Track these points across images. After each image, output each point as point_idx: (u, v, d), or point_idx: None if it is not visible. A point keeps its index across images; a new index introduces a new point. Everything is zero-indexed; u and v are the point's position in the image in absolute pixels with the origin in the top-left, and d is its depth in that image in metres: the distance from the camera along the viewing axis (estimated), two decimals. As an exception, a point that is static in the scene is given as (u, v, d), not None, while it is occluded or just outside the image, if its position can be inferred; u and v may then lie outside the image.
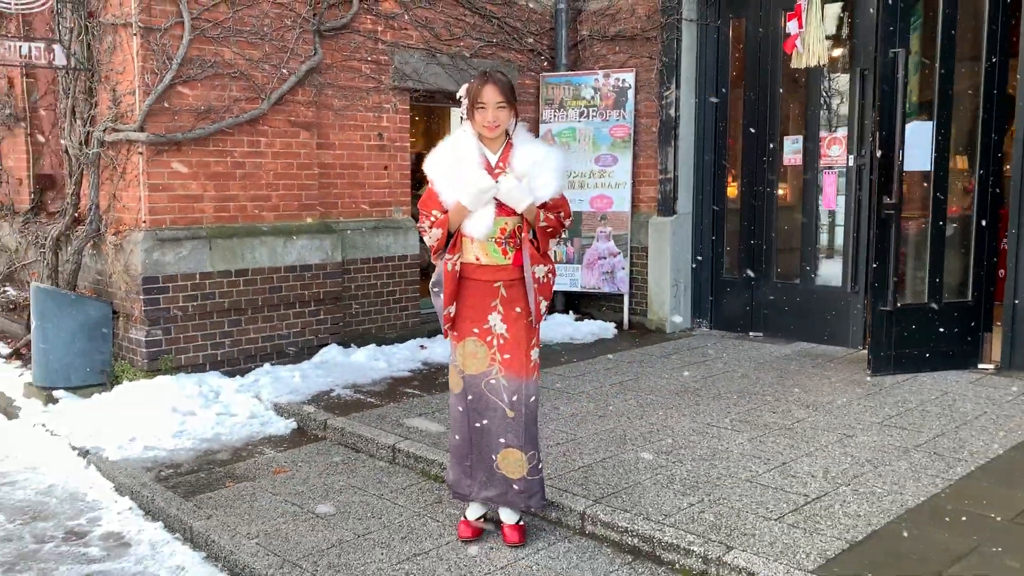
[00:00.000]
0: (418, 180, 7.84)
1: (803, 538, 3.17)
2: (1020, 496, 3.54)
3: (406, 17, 6.70)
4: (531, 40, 7.62)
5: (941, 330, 5.63)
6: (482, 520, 3.46)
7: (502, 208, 3.19)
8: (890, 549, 3.08)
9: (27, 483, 4.40)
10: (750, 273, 7.02)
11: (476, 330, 3.30)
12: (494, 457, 3.33)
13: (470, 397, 3.35)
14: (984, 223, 5.66)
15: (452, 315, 3.31)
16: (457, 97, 3.26)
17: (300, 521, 3.69)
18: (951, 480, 3.72)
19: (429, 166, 3.24)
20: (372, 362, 5.98)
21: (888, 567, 2.93)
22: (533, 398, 3.32)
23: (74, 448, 4.69)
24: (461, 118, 3.29)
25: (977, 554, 3.03)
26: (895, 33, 5.36)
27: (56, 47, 5.64)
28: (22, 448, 4.88)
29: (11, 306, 7.38)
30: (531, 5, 7.59)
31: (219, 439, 4.80)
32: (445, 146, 3.27)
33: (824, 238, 6.78)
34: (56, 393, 5.45)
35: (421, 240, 7.50)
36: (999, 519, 3.33)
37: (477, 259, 3.27)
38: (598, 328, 7.32)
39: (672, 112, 7.13)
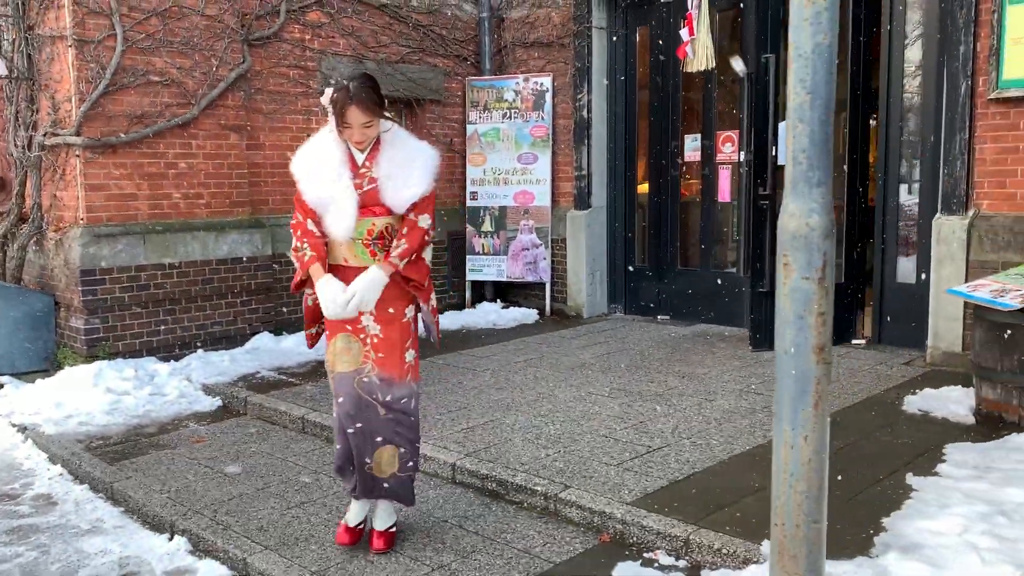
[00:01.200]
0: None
1: (632, 479, 3.71)
2: (833, 445, 4.09)
3: (333, 26, 7.18)
4: (457, 47, 8.12)
5: (816, 309, 6.18)
6: (363, 525, 3.39)
7: (367, 208, 3.10)
8: (701, 486, 3.62)
9: (-31, 455, 4.85)
10: (658, 262, 7.58)
11: (349, 327, 3.18)
12: (368, 460, 3.22)
13: (340, 399, 3.20)
14: (854, 212, 6.23)
15: (316, 334, 3.36)
16: (323, 104, 3.12)
17: (210, 479, 4.17)
18: (766, 435, 4.26)
19: (296, 166, 3.18)
20: (299, 347, 6.46)
21: (691, 498, 3.47)
22: (407, 400, 3.22)
23: (13, 425, 5.14)
24: (330, 121, 3.12)
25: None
26: (766, 40, 5.93)
27: (-2, 59, 6.09)
28: (-34, 427, 5.32)
29: (-35, 302, 7.77)
30: (456, 14, 8.09)
31: (148, 416, 5.27)
32: (311, 145, 3.19)
33: (722, 229, 7.33)
34: (1, 379, 5.89)
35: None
36: (806, 461, 3.88)
37: (345, 260, 3.16)
38: (521, 315, 7.84)
39: (585, 114, 7.67)
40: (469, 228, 8.23)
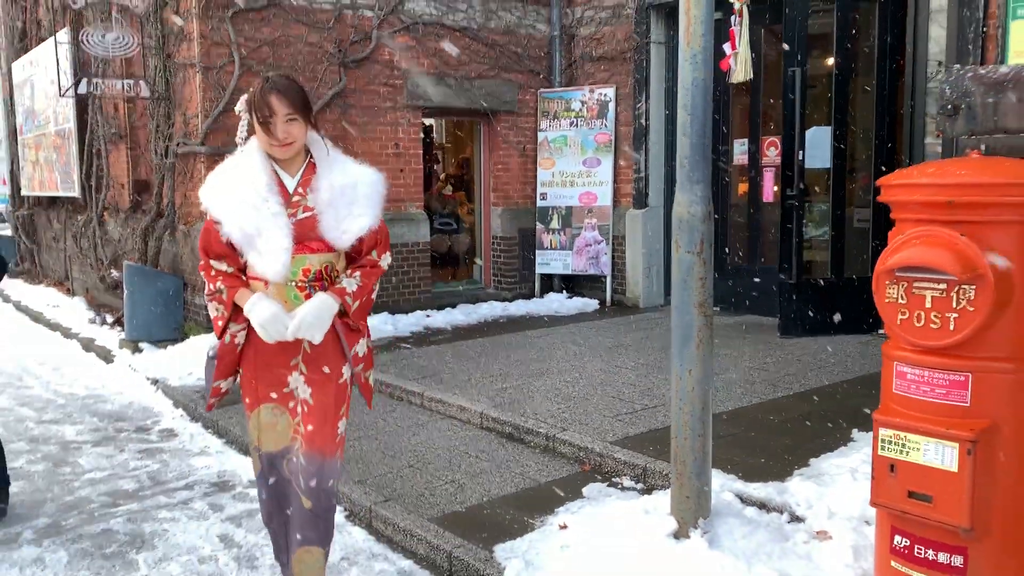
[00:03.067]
0: (427, 182, 9.39)
1: (619, 427, 4.50)
2: (812, 406, 4.73)
3: (419, 48, 8.21)
4: (530, 62, 9.02)
5: (843, 300, 6.72)
6: None
7: (302, 243, 2.61)
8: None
9: (115, 400, 6.12)
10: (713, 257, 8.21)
11: (274, 395, 2.70)
12: (286, 558, 2.88)
13: (272, 480, 2.79)
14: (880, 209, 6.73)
15: (223, 390, 2.81)
16: (237, 112, 2.70)
17: (292, 420, 5.22)
18: (752, 400, 4.94)
19: (207, 192, 2.65)
20: (383, 325, 7.50)
21: (659, 441, 4.22)
22: (333, 483, 2.78)
23: (148, 379, 6.40)
24: (241, 139, 2.72)
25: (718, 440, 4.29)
26: (793, 54, 6.53)
27: (142, 82, 7.42)
28: (114, 380, 6.63)
29: (115, 285, 9.27)
30: (530, 32, 8.99)
31: (252, 375, 6.41)
32: (227, 168, 2.68)
33: (766, 227, 7.90)
34: (141, 345, 7.20)
35: (433, 230, 9.08)
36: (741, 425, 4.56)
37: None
38: (582, 304, 8.66)
39: (643, 121, 8.41)
40: (539, 225, 9.10)
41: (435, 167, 10.90)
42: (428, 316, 7.98)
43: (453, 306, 8.34)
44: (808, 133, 6.58)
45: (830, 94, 6.64)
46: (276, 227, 2.56)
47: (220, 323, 2.68)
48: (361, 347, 2.77)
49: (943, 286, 2.16)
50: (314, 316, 2.56)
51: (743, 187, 8.10)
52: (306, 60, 7.46)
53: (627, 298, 8.68)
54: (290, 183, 2.65)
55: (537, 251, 9.09)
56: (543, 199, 9.06)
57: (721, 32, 7.39)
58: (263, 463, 2.79)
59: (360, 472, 4.25)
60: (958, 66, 2.83)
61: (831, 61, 6.70)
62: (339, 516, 3.86)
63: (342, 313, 2.65)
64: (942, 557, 2.23)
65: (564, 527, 3.42)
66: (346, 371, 2.75)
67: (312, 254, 2.64)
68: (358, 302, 2.66)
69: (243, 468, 4.59)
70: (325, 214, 2.62)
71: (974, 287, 2.11)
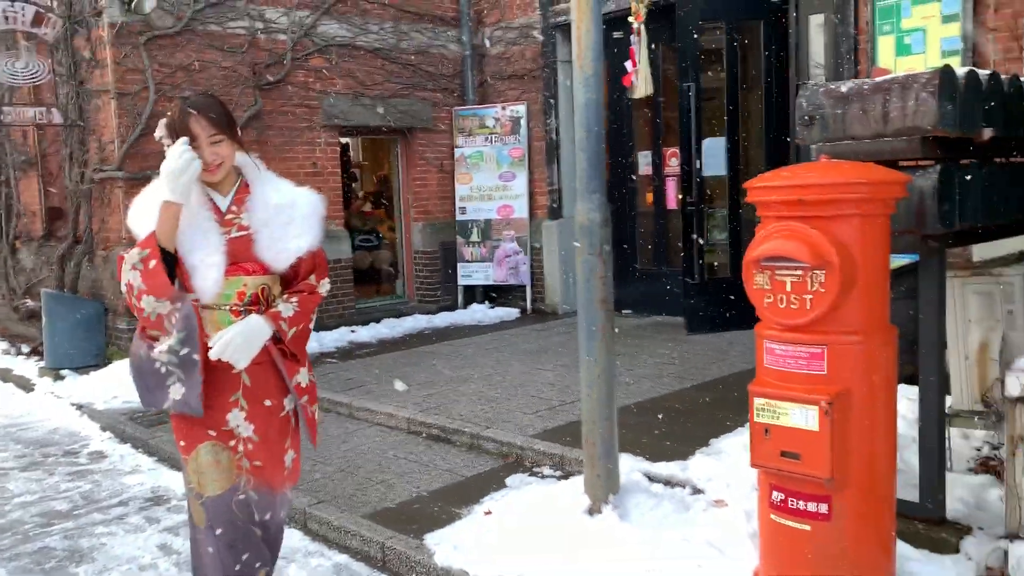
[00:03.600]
0: (347, 200, 9.57)
1: (539, 422, 4.80)
2: (719, 397, 5.12)
3: (332, 69, 8.42)
4: (444, 81, 9.31)
5: (742, 297, 7.17)
6: None
7: (236, 264, 2.51)
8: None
9: (39, 427, 6.11)
10: (620, 263, 8.63)
11: (212, 432, 2.52)
12: None
13: (219, 531, 2.55)
14: (773, 213, 7.24)
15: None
16: (157, 138, 2.56)
17: (222, 435, 5.35)
18: (660, 392, 5.31)
19: (134, 219, 2.54)
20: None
21: (576, 432, 4.51)
22: (284, 513, 2.75)
23: (72, 404, 6.40)
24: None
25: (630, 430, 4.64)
26: (687, 70, 7.00)
27: (54, 110, 7.42)
28: (36, 408, 6.60)
29: (30, 315, 9.13)
30: (443, 52, 9.29)
31: (180, 395, 6.48)
32: (153, 192, 2.52)
33: (671, 233, 8.36)
34: (62, 372, 7.17)
35: (355, 247, 9.27)
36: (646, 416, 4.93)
37: (207, 336, 2.46)
38: (504, 313, 8.96)
39: (554, 136, 8.80)
40: (459, 239, 9.38)
41: (353, 185, 11.08)
42: (353, 332, 8.15)
43: (378, 321, 8.53)
44: (705, 143, 7.05)
45: (724, 106, 7.13)
46: (207, 243, 2.47)
47: (155, 264, 2.39)
48: (303, 377, 2.62)
49: (799, 272, 2.52)
50: (243, 338, 2.43)
51: (649, 196, 8.55)
52: (221, 84, 7.58)
53: (546, 305, 9.02)
54: (222, 202, 2.57)
55: (459, 264, 9.36)
56: (462, 213, 9.35)
57: (622, 50, 7.84)
58: (208, 512, 2.53)
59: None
60: (813, 82, 3.24)
61: (726, 75, 7.20)
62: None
63: (276, 340, 2.52)
64: (811, 506, 2.58)
65: (489, 513, 3.69)
66: (288, 403, 2.61)
67: (247, 275, 2.53)
68: (295, 329, 2.53)
69: (177, 483, 4.70)
70: (260, 233, 2.53)
71: (824, 272, 2.48)
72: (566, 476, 4.12)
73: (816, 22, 6.79)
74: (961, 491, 3.28)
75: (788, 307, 2.56)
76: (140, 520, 4.20)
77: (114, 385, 6.57)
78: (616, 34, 8.05)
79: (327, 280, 2.67)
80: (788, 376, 2.60)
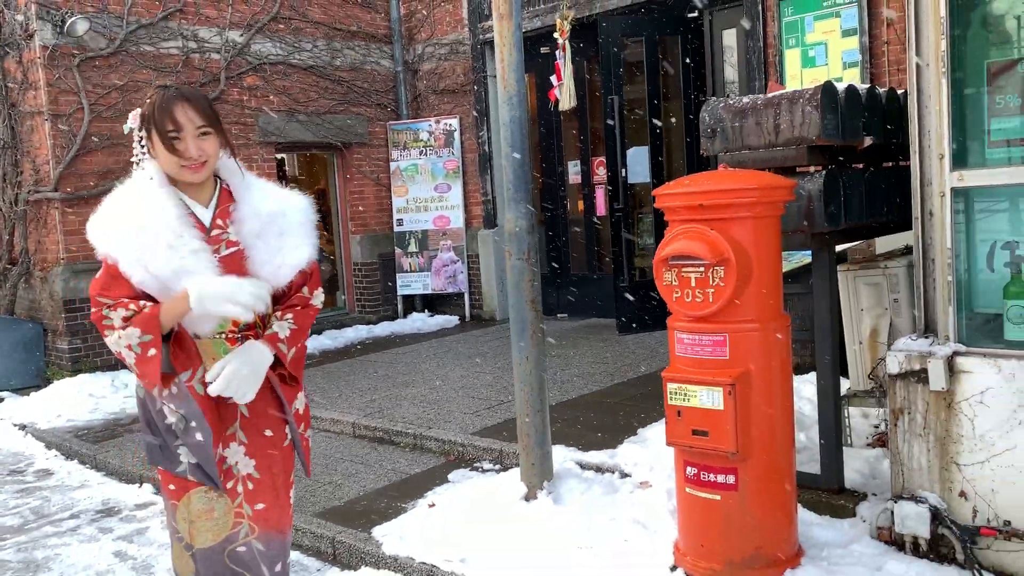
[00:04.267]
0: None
1: (479, 421, 5.05)
2: (645, 391, 5.44)
3: (267, 87, 8.56)
4: (377, 96, 9.53)
5: (671, 298, 7.56)
6: None
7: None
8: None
9: (-19, 449, 6.12)
10: (555, 269, 8.96)
11: None
12: None
13: None
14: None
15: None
16: (126, 130, 2.28)
17: (170, 448, 5.47)
18: (593, 388, 5.63)
19: (100, 230, 2.16)
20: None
21: (513, 428, 4.79)
22: (289, 563, 2.43)
23: (15, 425, 6.42)
24: (137, 160, 2.26)
25: (562, 422, 4.93)
26: (610, 83, 7.36)
27: (-14, 132, 7.42)
28: (-24, 431, 6.59)
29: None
30: (375, 69, 9.50)
31: (124, 412, 6.55)
32: (121, 201, 2.18)
33: (602, 239, 8.72)
34: (2, 394, 7.15)
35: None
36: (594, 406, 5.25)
37: (202, 368, 2.19)
38: (444, 320, 9.20)
39: (486, 148, 9.08)
40: (397, 250, 9.58)
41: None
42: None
43: (319, 332, 8.68)
44: (629, 153, 7.42)
45: (647, 117, 7.51)
46: (198, 267, 2.12)
47: (154, 354, 2.07)
48: (300, 402, 2.37)
49: (702, 269, 2.83)
50: (248, 368, 2.14)
51: (580, 204, 8.90)
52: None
53: (484, 312, 9.28)
54: (204, 214, 2.22)
55: (398, 274, 9.56)
56: (400, 224, 9.56)
57: (550, 65, 8.18)
58: (198, 566, 2.24)
59: (243, 484, 4.60)
60: (714, 98, 3.57)
61: (647, 87, 7.58)
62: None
63: (275, 363, 2.25)
64: (719, 478, 2.89)
65: (432, 505, 3.92)
66: (288, 432, 2.34)
67: None
68: (293, 349, 2.27)
69: (127, 495, 4.82)
70: (254, 248, 2.23)
71: (722, 268, 2.79)
72: (505, 469, 4.38)
73: (729, 38, 7.22)
74: (859, 463, 3.64)
75: (694, 300, 2.87)
76: (93, 531, 4.32)
77: (57, 405, 6.61)
78: (543, 49, 8.38)
79: (320, 291, 2.39)
80: (696, 362, 2.91)
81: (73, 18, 7.01)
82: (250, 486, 2.26)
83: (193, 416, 2.16)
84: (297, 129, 8.77)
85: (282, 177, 10.34)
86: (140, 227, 2.12)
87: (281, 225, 2.28)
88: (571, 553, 3.26)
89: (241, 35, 8.27)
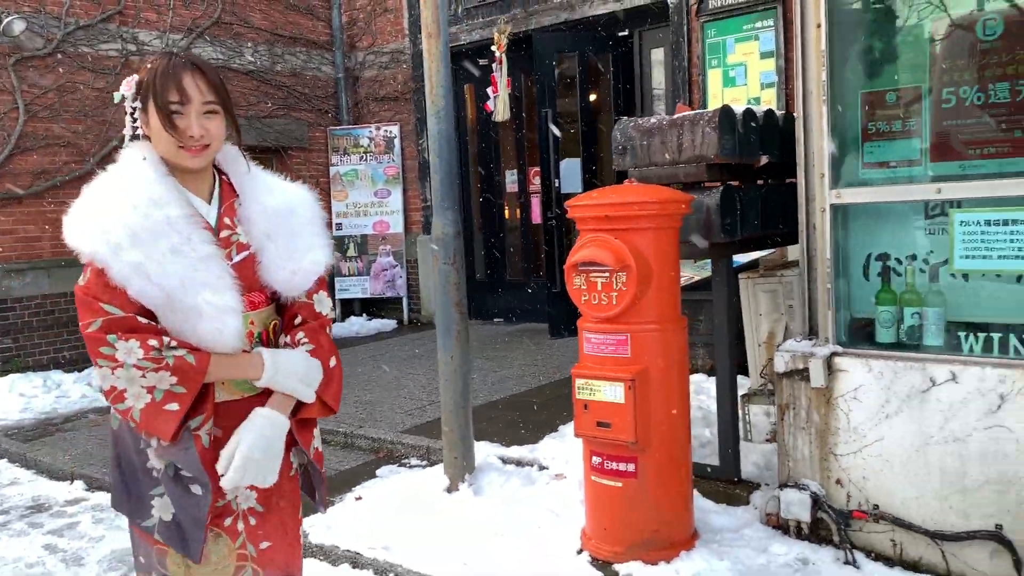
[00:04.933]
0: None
1: (409, 420, 5.25)
2: (550, 389, 5.70)
3: (207, 91, 8.61)
4: (318, 102, 9.65)
5: (600, 304, 7.86)
6: None
7: (249, 299, 1.89)
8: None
9: (-93, 448, 6.08)
10: (492, 275, 9.20)
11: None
12: None
13: None
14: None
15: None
16: (116, 99, 1.91)
17: (104, 446, 5.53)
18: (521, 389, 5.87)
19: (83, 233, 1.74)
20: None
21: (437, 426, 5.01)
22: None
23: (-58, 424, 6.39)
24: (128, 136, 1.88)
25: (489, 421, 5.16)
26: (544, 96, 7.63)
27: (-82, 129, 7.34)
28: (-98, 430, 6.53)
29: None
30: (316, 75, 9.63)
31: (55, 412, 6.56)
32: (109, 193, 1.78)
33: (537, 246, 8.99)
34: (-72, 394, 7.08)
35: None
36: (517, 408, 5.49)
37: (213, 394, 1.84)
38: (382, 324, 9.36)
39: (426, 155, 9.27)
40: (336, 254, 9.69)
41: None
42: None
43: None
44: (562, 164, 7.70)
45: (579, 130, 7.81)
46: (212, 276, 1.78)
47: (181, 409, 1.72)
48: (318, 440, 2.03)
49: (607, 274, 3.08)
50: (262, 451, 1.81)
51: (517, 212, 9.16)
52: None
53: (422, 316, 9.47)
54: (208, 211, 1.87)
55: (336, 278, 9.68)
56: (339, 229, 9.69)
57: (487, 77, 8.43)
58: None
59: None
60: (625, 117, 3.84)
61: (580, 101, 7.88)
62: (159, 518, 4.34)
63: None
64: (621, 466, 3.15)
65: (359, 499, 4.11)
66: (295, 459, 2.02)
67: (254, 311, 1.90)
68: (320, 382, 1.93)
69: (58, 491, 4.88)
70: (266, 251, 1.91)
71: (625, 274, 3.05)
72: (431, 464, 4.58)
73: (656, 56, 7.56)
74: (756, 456, 3.94)
75: (600, 303, 3.12)
76: (23, 526, 4.38)
77: (-15, 404, 6.59)
78: (482, 61, 8.62)
79: (327, 297, 2.04)
80: (601, 360, 3.16)
81: (9, 18, 7.01)
82: (252, 522, 1.92)
83: (191, 468, 1.76)
84: (237, 133, 8.83)
85: (221, 180, 10.36)
86: (138, 226, 1.73)
87: (291, 224, 1.94)
88: (487, 540, 3.48)
89: (182, 39, 8.33)
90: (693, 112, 3.54)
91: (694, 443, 3.99)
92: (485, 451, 4.29)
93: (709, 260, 5.63)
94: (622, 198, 3.11)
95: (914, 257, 3.16)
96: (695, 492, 3.45)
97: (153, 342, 1.71)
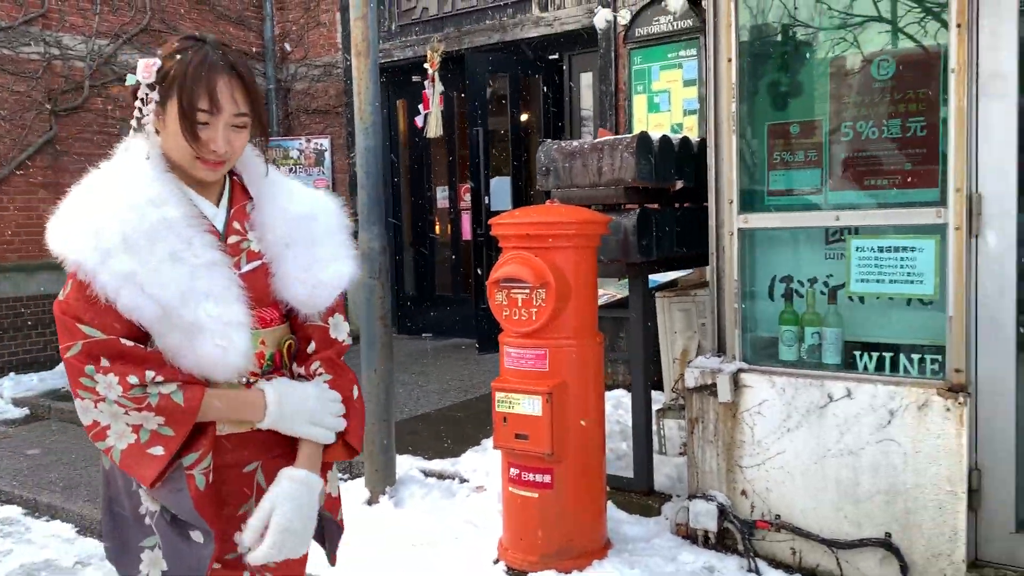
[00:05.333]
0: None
1: (333, 432, 5.24)
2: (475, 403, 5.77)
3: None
4: (249, 113, 9.57)
5: (527, 321, 7.98)
6: None
7: (260, 315, 1.66)
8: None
9: None
10: (422, 290, 9.24)
11: (216, 566, 1.63)
12: None
13: None
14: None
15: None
16: (130, 82, 1.62)
17: (12, 459, 5.38)
18: (447, 403, 5.94)
19: (68, 238, 1.52)
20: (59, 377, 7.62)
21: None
22: None
23: None
24: (133, 126, 1.64)
25: (418, 433, 5.21)
26: (475, 115, 7.75)
27: None
28: None
29: None
30: (247, 86, 9.56)
31: (-35, 422, 6.35)
32: (101, 193, 1.57)
33: (467, 261, 9.08)
34: None
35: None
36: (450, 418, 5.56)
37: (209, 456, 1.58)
38: (308, 339, 9.29)
39: (357, 170, 9.28)
40: (264, 267, 9.61)
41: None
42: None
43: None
44: (492, 182, 7.82)
45: (509, 149, 7.95)
46: (216, 285, 1.55)
47: (161, 454, 1.48)
48: (333, 485, 1.85)
49: (527, 290, 3.19)
50: (300, 520, 1.60)
51: (448, 228, 9.23)
52: (13, 108, 7.49)
53: (351, 329, 9.41)
54: (216, 215, 1.65)
55: (262, 290, 9.58)
56: (266, 241, 9.59)
57: (420, 94, 8.51)
58: None
59: (88, 494, 4.62)
60: (549, 140, 3.97)
61: (511, 121, 8.02)
62: (71, 532, 4.26)
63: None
64: (537, 477, 3.24)
65: (280, 510, 4.10)
66: None
67: (265, 328, 1.67)
68: (346, 425, 1.72)
69: (-36, 505, 4.75)
70: (283, 260, 1.67)
71: (544, 290, 3.16)
72: (354, 477, 4.60)
73: (585, 80, 7.77)
74: (669, 469, 4.09)
75: (520, 318, 3.22)
76: (-74, 540, 4.25)
77: None
78: (415, 78, 8.70)
79: (343, 318, 1.80)
80: (521, 374, 3.26)
81: (-75, 16, 6.80)
82: None
83: (184, 513, 1.52)
84: (163, 141, 8.71)
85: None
86: (132, 228, 1.50)
87: (313, 232, 1.71)
88: (406, 551, 3.53)
89: (108, 44, 8.19)
90: (613, 137, 3.69)
91: (611, 456, 4.13)
92: (407, 464, 4.34)
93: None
94: (543, 218, 3.22)
95: (815, 280, 3.35)
96: (609, 503, 3.57)
97: (132, 378, 1.47)
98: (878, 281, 3.10)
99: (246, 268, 1.64)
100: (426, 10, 8.47)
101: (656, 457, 4.06)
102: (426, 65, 7.79)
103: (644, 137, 3.59)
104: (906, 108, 3.08)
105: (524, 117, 8.04)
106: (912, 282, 3.02)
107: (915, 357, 3.08)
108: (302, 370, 1.73)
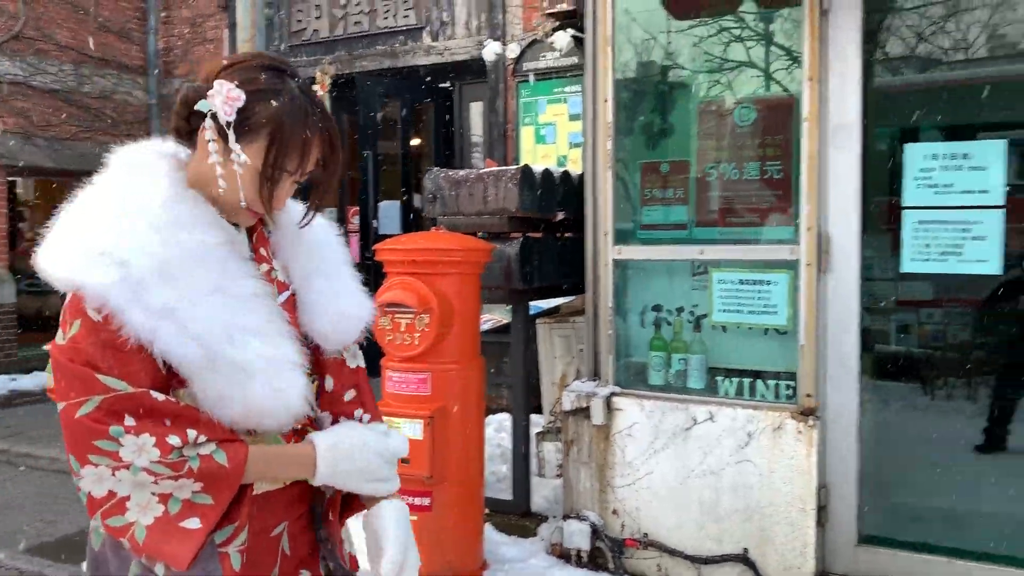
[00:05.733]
0: (13, 241, 9.12)
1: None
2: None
3: (3, 107, 8.08)
4: (127, 128, 9.26)
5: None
6: None
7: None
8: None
9: None
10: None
11: None
12: None
13: None
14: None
15: None
16: (205, 109, 1.29)
17: None
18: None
19: (83, 268, 1.22)
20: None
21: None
22: None
23: None
24: (213, 162, 1.32)
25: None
26: (366, 139, 7.79)
27: None
28: None
29: None
30: (127, 99, 9.27)
31: None
32: (118, 205, 1.32)
33: (356, 284, 9.06)
34: None
35: (21, 292, 8.81)
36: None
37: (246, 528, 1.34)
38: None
39: (242, 188, 9.13)
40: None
41: (21, 225, 10.48)
42: (14, 380, 7.78)
43: (44, 369, 8.16)
44: (381, 205, 7.85)
45: (400, 173, 8.01)
46: (260, 320, 1.33)
47: (198, 528, 1.22)
48: (348, 543, 1.75)
49: (411, 315, 3.25)
50: (408, 532, 1.52)
51: (334, 250, 9.18)
52: None
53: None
54: (241, 239, 1.42)
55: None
56: (143, 260, 9.28)
57: (308, 115, 8.46)
58: None
59: None
60: (436, 168, 4.07)
61: (401, 145, 8.09)
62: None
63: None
64: (417, 500, 3.29)
65: (152, 538, 3.99)
66: (322, 569, 1.53)
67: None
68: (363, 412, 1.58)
69: None
70: (308, 291, 1.49)
71: (428, 315, 3.24)
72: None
73: (476, 108, 7.93)
74: (547, 491, 4.21)
75: (403, 343, 3.29)
76: None
77: None
78: (304, 99, 8.65)
79: (358, 347, 1.59)
80: (403, 398, 3.32)
81: None
82: None
83: None
84: (34, 153, 8.33)
85: (12, 200, 9.68)
86: (169, 254, 1.25)
87: (328, 260, 1.54)
88: None
89: (-25, 49, 7.80)
90: (498, 168, 3.82)
91: (492, 478, 4.23)
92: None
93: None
94: (429, 244, 3.31)
95: (682, 309, 3.56)
96: (488, 525, 3.65)
97: (174, 439, 1.19)
98: (738, 311, 3.33)
99: (279, 300, 1.41)
100: (316, 32, 8.45)
101: (535, 479, 4.18)
102: (316, 87, 7.77)
103: (527, 169, 3.73)
104: (764, 152, 3.34)
105: (415, 142, 8.14)
106: (768, 313, 3.26)
107: (771, 383, 3.32)
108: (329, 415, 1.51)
